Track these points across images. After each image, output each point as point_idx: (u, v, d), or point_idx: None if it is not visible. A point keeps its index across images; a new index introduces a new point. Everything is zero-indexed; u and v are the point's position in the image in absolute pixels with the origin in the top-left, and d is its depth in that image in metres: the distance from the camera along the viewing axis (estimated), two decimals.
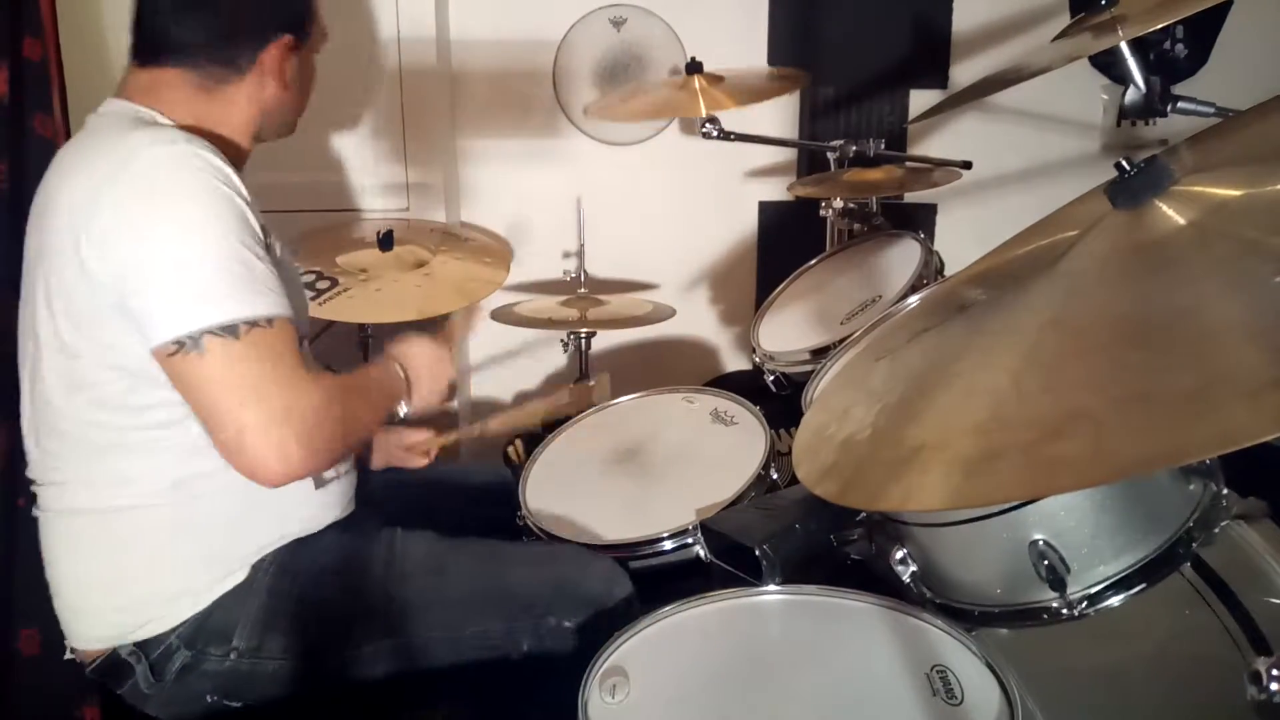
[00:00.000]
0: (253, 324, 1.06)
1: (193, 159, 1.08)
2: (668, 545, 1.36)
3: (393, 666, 1.24)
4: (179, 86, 1.19)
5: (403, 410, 1.33)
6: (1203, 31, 2.55)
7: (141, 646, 1.18)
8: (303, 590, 1.22)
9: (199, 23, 1.19)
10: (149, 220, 1.06)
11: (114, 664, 1.19)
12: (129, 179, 1.07)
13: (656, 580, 1.35)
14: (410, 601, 1.25)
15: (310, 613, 1.22)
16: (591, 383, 1.72)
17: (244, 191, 1.12)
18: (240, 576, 1.20)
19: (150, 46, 1.20)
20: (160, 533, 1.17)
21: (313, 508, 1.27)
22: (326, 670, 1.23)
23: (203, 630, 1.19)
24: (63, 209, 1.10)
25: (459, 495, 1.57)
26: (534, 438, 1.82)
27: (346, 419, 1.16)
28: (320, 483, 1.27)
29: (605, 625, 1.09)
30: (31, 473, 1.23)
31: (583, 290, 2.38)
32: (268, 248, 1.14)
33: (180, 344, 1.04)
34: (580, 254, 2.47)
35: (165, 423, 1.14)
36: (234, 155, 1.21)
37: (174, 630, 1.18)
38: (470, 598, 1.26)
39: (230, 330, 1.05)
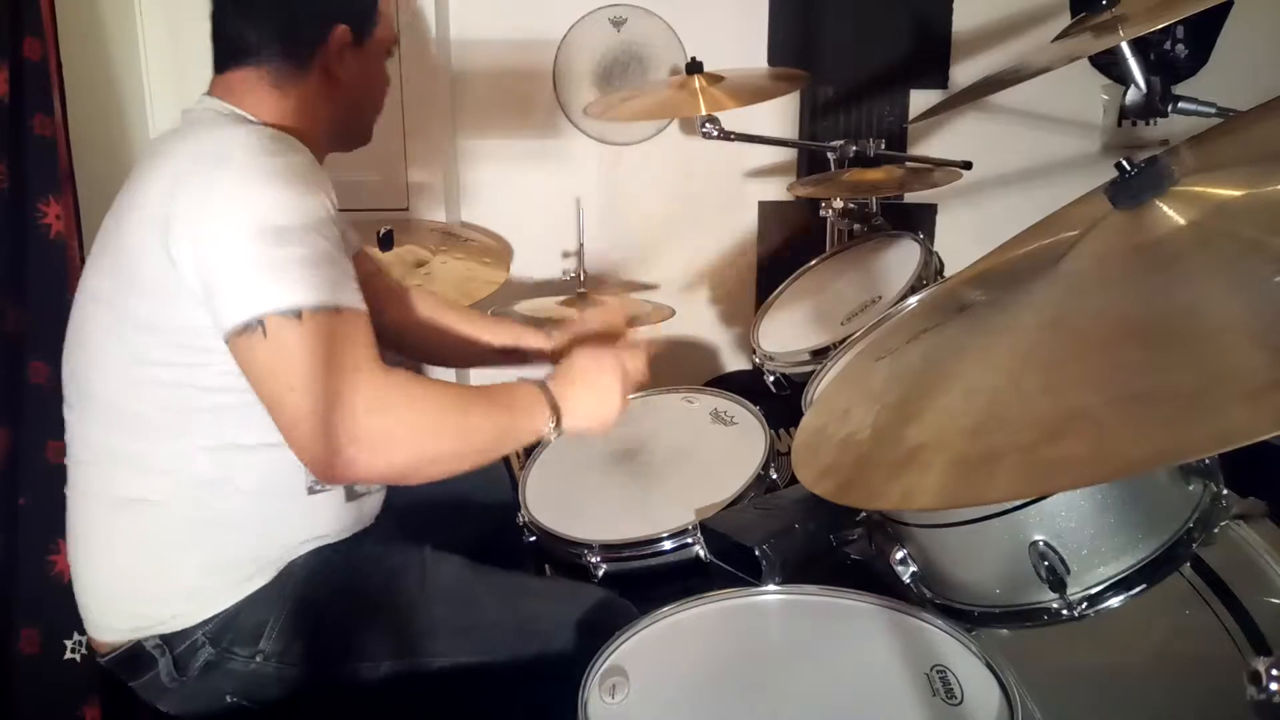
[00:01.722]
0: (317, 309, 1.04)
1: (284, 152, 1.11)
2: (667, 545, 1.36)
3: (408, 685, 1.23)
4: (255, 86, 1.22)
5: (551, 432, 1.19)
6: (1203, 31, 2.55)
7: (166, 640, 1.18)
8: (333, 600, 1.22)
9: (258, 20, 1.21)
10: (230, 203, 1.07)
11: (134, 656, 1.19)
12: (217, 164, 1.08)
13: (656, 580, 1.35)
14: (437, 626, 1.24)
15: (338, 624, 1.22)
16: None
17: (330, 191, 1.13)
18: (268, 577, 1.20)
19: (222, 51, 1.23)
20: (194, 527, 1.17)
21: (345, 519, 1.26)
22: (344, 682, 1.23)
23: (229, 629, 1.18)
24: (153, 197, 1.10)
25: (462, 499, 1.56)
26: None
27: (433, 426, 1.09)
28: (352, 495, 1.26)
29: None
30: (71, 445, 1.23)
31: (582, 290, 2.38)
32: (347, 245, 1.16)
33: (247, 326, 1.04)
34: (580, 254, 2.48)
35: (216, 410, 1.14)
36: (330, 139, 1.27)
37: (200, 626, 1.18)
38: (495, 629, 1.25)
39: (294, 313, 1.03)
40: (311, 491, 1.21)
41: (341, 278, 1.09)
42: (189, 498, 1.16)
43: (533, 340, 1.55)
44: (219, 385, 1.12)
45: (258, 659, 1.19)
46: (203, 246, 1.06)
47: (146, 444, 1.16)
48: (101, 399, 1.17)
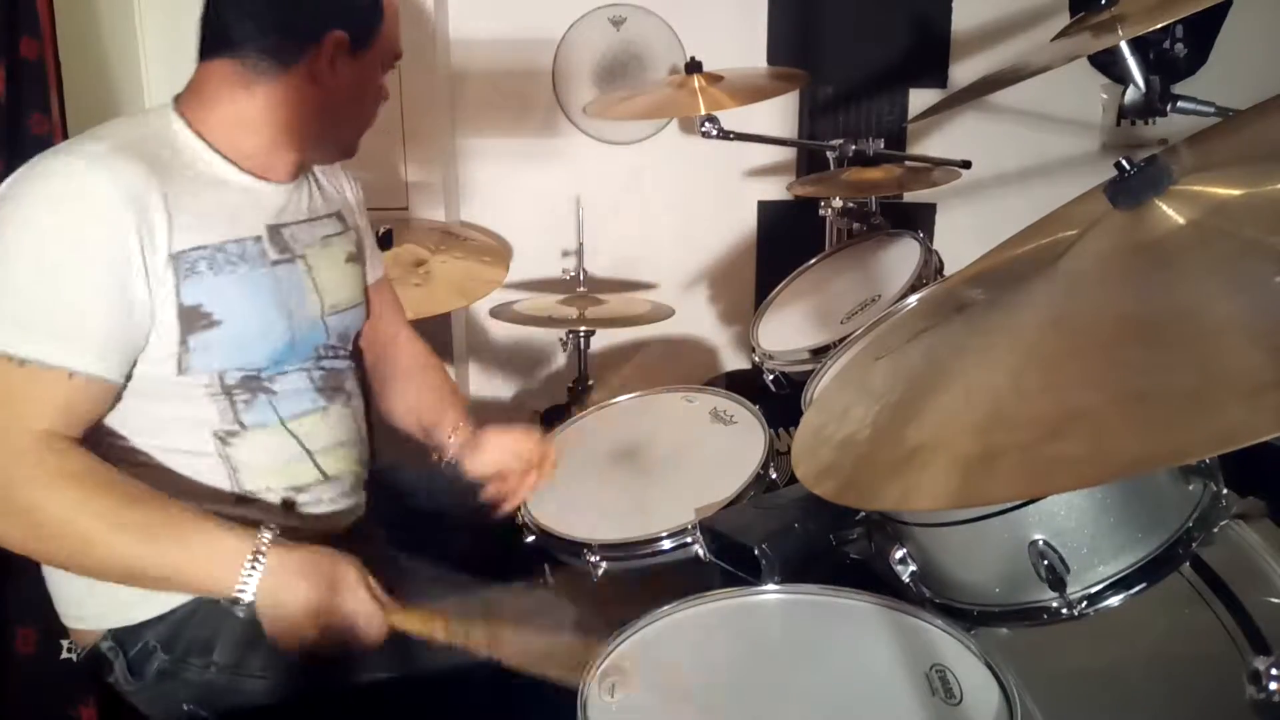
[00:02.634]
0: (7, 357, 0.99)
1: (65, 176, 1.05)
2: (667, 545, 1.36)
3: (364, 694, 1.19)
4: (223, 80, 1.17)
5: (243, 598, 1.04)
6: (1202, 31, 2.55)
7: (119, 641, 1.16)
8: None
9: (255, 12, 1.17)
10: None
11: (95, 656, 1.18)
12: (13, 185, 1.05)
13: (656, 580, 1.34)
14: (395, 642, 1.16)
15: None
16: None
17: (150, 215, 1.05)
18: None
19: (206, 40, 1.19)
20: None
21: (290, 524, 1.20)
22: (305, 691, 1.19)
23: (181, 637, 1.16)
24: None
25: (461, 499, 1.55)
26: None
27: (75, 527, 1.01)
28: (289, 505, 1.21)
29: None
30: None
31: (582, 289, 2.38)
32: (183, 279, 1.08)
33: None
34: (579, 253, 2.48)
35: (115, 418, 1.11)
36: (271, 167, 1.20)
37: (148, 626, 1.15)
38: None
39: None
40: (240, 501, 1.17)
41: (64, 327, 1.02)
42: None
43: (440, 436, 1.47)
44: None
45: (211, 669, 1.16)
46: None
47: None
48: None
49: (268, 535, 1.06)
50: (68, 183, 1.04)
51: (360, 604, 1.09)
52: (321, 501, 1.25)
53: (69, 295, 1.02)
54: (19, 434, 1.00)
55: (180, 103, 1.18)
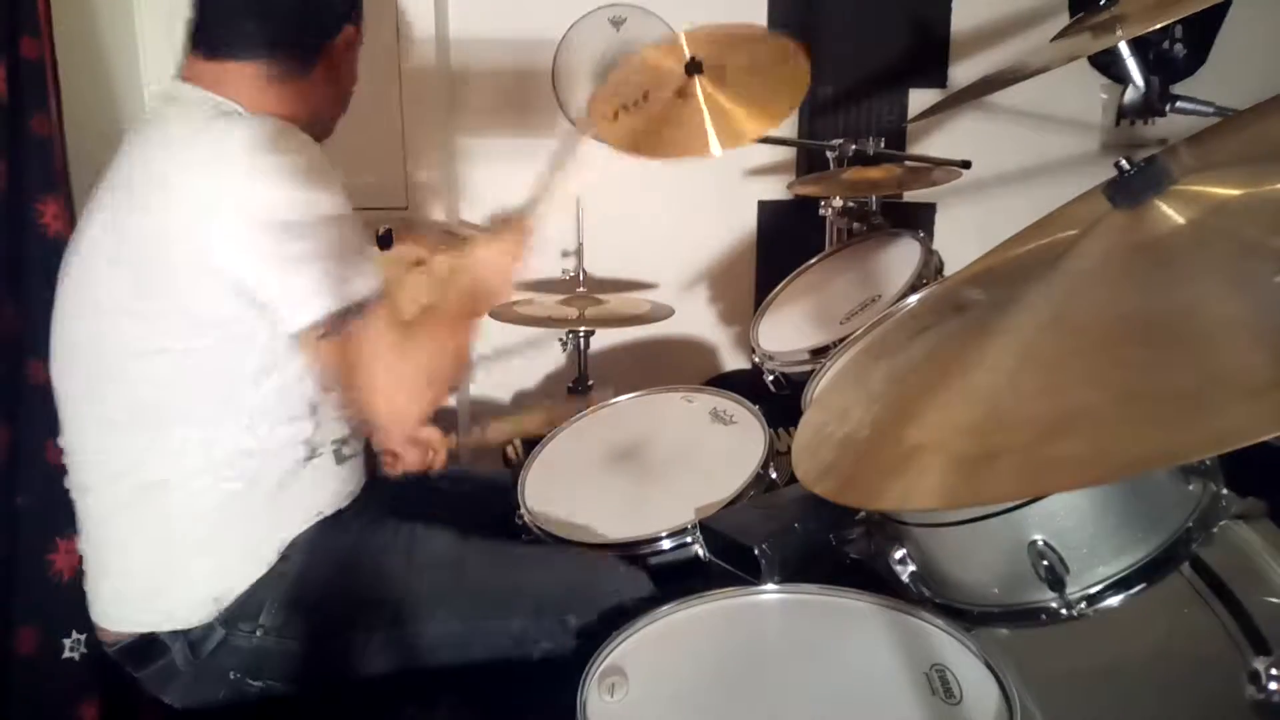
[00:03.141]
0: (373, 299, 1.14)
1: (301, 147, 1.14)
2: (667, 544, 1.36)
3: (406, 654, 1.26)
4: (248, 79, 1.20)
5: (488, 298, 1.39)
6: (1202, 31, 2.55)
7: (183, 629, 1.20)
8: (328, 574, 1.25)
9: (271, 17, 1.20)
10: (269, 203, 1.10)
11: (146, 644, 1.21)
12: (248, 166, 1.10)
13: (655, 579, 1.35)
14: (427, 593, 1.26)
15: (334, 595, 1.25)
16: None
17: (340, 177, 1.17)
18: (273, 558, 1.23)
19: (218, 39, 1.20)
20: (206, 518, 1.20)
21: (336, 486, 1.31)
22: (340, 654, 1.25)
23: (237, 609, 1.21)
24: (173, 199, 1.11)
25: (461, 498, 1.57)
26: (533, 437, 1.82)
27: (445, 355, 1.24)
28: (340, 459, 1.31)
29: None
30: (73, 442, 1.24)
31: (581, 289, 2.38)
32: None
33: (321, 328, 1.11)
34: (579, 253, 2.47)
35: (242, 395, 1.18)
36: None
37: (216, 617, 1.21)
38: (488, 593, 1.28)
39: (362, 308, 1.13)
40: (307, 460, 1.26)
41: (369, 260, 1.17)
42: (198, 483, 1.18)
43: None
44: (256, 369, 1.17)
45: (258, 634, 1.21)
46: (251, 251, 1.10)
47: (157, 434, 1.17)
48: (116, 396, 1.18)
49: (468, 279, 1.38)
50: (305, 147, 1.15)
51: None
52: (356, 454, 1.37)
53: (359, 230, 1.19)
54: (401, 339, 1.18)
55: (220, 94, 1.21)
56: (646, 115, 1.60)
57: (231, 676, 1.22)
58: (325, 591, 1.24)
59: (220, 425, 1.18)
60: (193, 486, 1.19)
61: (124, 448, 1.19)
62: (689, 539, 1.35)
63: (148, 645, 1.21)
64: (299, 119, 1.24)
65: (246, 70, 1.20)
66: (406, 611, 1.25)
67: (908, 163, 2.14)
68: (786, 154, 2.69)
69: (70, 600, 1.26)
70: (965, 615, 1.05)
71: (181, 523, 1.20)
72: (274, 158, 1.10)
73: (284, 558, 1.24)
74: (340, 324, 1.12)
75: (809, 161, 2.63)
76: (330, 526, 1.28)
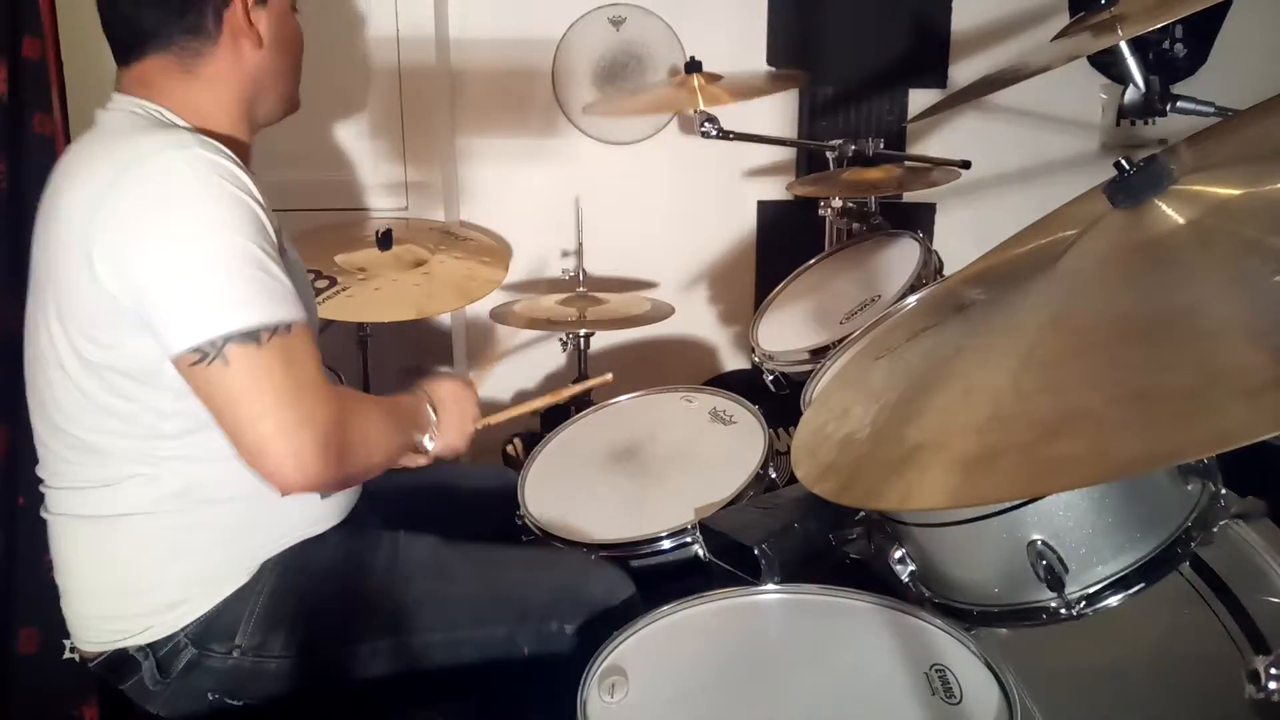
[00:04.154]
0: (274, 330, 1.04)
1: (204, 162, 1.06)
2: (666, 544, 1.36)
3: (392, 666, 1.24)
4: (165, 74, 1.16)
5: (429, 444, 1.31)
6: (1202, 31, 2.55)
7: (150, 644, 1.18)
8: (305, 589, 1.22)
9: (149, 3, 1.15)
10: (162, 228, 1.03)
11: (119, 660, 1.19)
12: (139, 185, 1.04)
13: (655, 579, 1.35)
14: (411, 602, 1.24)
15: (312, 611, 1.22)
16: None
17: (257, 193, 1.09)
18: (245, 579, 1.20)
19: (123, 43, 1.18)
20: (169, 540, 1.16)
21: (318, 511, 1.26)
22: (326, 669, 1.23)
23: (209, 628, 1.18)
24: (73, 219, 1.07)
25: (460, 498, 1.57)
26: (533, 436, 1.82)
27: (367, 437, 1.15)
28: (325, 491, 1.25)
29: (608, 629, 1.10)
30: (42, 471, 1.22)
31: (581, 289, 2.38)
32: (282, 251, 1.12)
33: (202, 353, 1.02)
34: (579, 253, 2.47)
35: (179, 432, 1.13)
36: (239, 152, 1.18)
37: (182, 630, 1.18)
38: (472, 600, 1.26)
39: (253, 337, 1.03)
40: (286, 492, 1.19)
41: (283, 289, 1.07)
42: (162, 513, 1.15)
43: None
44: (176, 410, 1.11)
45: (234, 654, 1.19)
46: (134, 270, 1.03)
47: (113, 469, 1.14)
48: (65, 429, 1.15)
49: (425, 398, 1.31)
50: (211, 169, 1.06)
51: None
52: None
53: (269, 262, 1.07)
54: (320, 386, 1.09)
55: (146, 97, 1.17)
56: None
57: (210, 697, 1.20)
58: (302, 608, 1.21)
59: (160, 463, 1.14)
60: (146, 520, 1.15)
61: (74, 483, 1.17)
62: (689, 539, 1.35)
63: (120, 662, 1.19)
64: (241, 100, 1.20)
65: (158, 65, 1.16)
66: (389, 624, 1.23)
67: (907, 163, 2.14)
68: (786, 154, 2.69)
69: None
70: (965, 615, 1.05)
71: (139, 552, 1.16)
72: (176, 170, 1.04)
73: (258, 576, 1.20)
74: (219, 351, 1.01)
75: (809, 162, 2.63)
76: (306, 545, 1.24)
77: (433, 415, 1.31)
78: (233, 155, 1.09)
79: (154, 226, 1.04)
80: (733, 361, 2.81)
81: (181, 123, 1.15)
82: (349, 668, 1.23)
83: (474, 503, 1.56)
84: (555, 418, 1.84)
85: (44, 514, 1.23)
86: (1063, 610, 0.96)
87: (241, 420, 1.04)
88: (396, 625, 1.23)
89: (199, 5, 1.16)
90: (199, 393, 1.06)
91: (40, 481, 1.23)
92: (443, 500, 1.52)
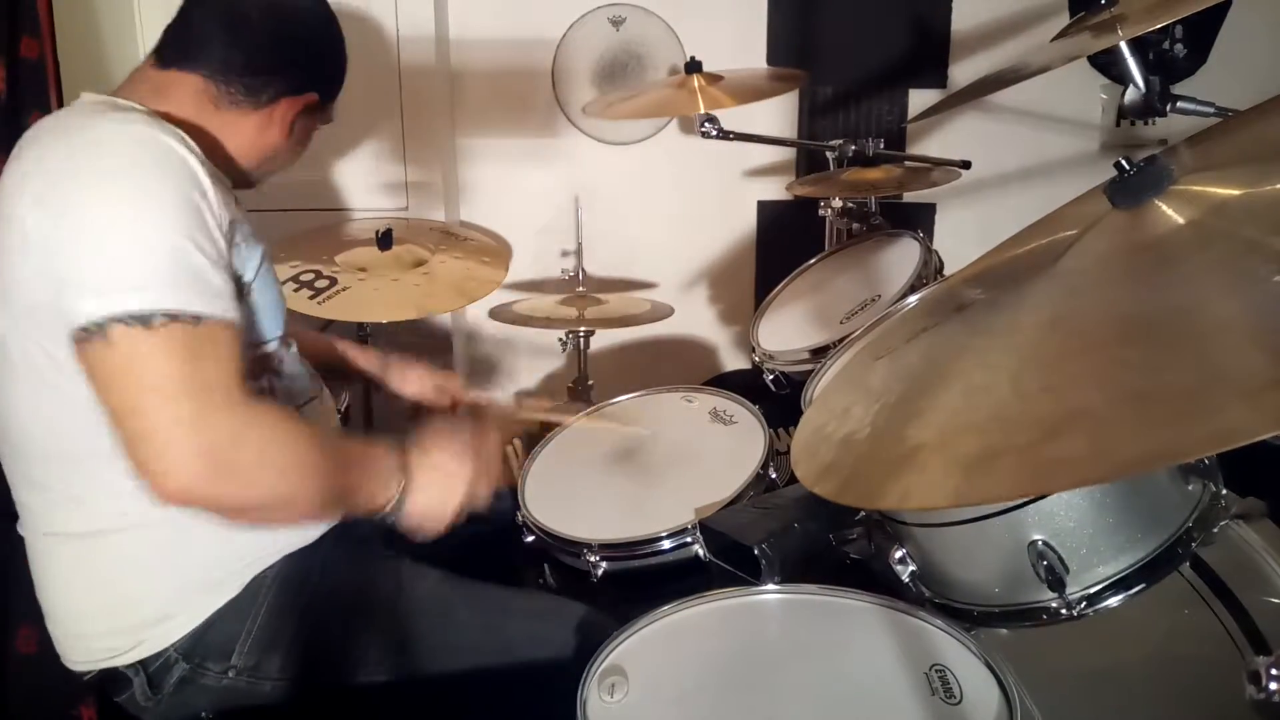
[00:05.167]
0: (172, 317, 0.94)
1: (148, 141, 1.00)
2: (666, 544, 1.36)
3: (389, 698, 1.21)
4: (194, 92, 1.15)
5: (389, 507, 1.11)
6: (1202, 31, 2.55)
7: (140, 660, 1.15)
8: (304, 610, 1.19)
9: (247, 47, 1.16)
10: (82, 195, 0.97)
11: (111, 678, 1.17)
12: (74, 153, 0.98)
13: (655, 579, 1.35)
14: (412, 641, 1.21)
15: (311, 636, 1.19)
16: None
17: (205, 185, 1.02)
18: (237, 589, 1.16)
19: (182, 50, 1.16)
20: (153, 554, 1.12)
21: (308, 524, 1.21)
22: (321, 695, 1.21)
23: (201, 644, 1.15)
24: (17, 207, 0.99)
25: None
26: (533, 437, 1.82)
27: (273, 463, 1.00)
28: None
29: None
30: (14, 489, 1.16)
31: (581, 289, 2.38)
32: (233, 248, 1.07)
33: (87, 331, 0.93)
34: (579, 253, 2.47)
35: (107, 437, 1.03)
36: (226, 168, 1.17)
37: (172, 644, 1.15)
38: (474, 647, 1.22)
39: (141, 320, 0.93)
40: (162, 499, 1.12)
41: (200, 281, 0.98)
42: (141, 524, 1.10)
43: (362, 361, 1.58)
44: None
45: (230, 674, 1.16)
46: (55, 244, 0.96)
47: (84, 478, 1.09)
48: (28, 442, 1.10)
49: (408, 458, 1.13)
50: (144, 144, 1.00)
51: (472, 470, 1.16)
52: None
53: (190, 249, 0.99)
54: (223, 391, 0.97)
55: (136, 100, 1.14)
56: None
57: (204, 716, 1.18)
58: (301, 631, 1.18)
59: (124, 477, 0.99)
60: (117, 538, 1.11)
61: (48, 498, 1.13)
62: (689, 539, 1.35)
63: (111, 679, 1.16)
64: (229, 150, 1.18)
65: (196, 84, 1.15)
66: (389, 660, 1.20)
67: (907, 163, 2.15)
68: (786, 154, 2.69)
69: None
70: (965, 615, 1.05)
71: (123, 565, 1.13)
72: (114, 149, 0.99)
73: (252, 593, 1.16)
74: (101, 330, 0.93)
75: (809, 162, 2.63)
76: (304, 559, 1.20)
77: (405, 479, 1.12)
78: (195, 148, 1.04)
79: (75, 194, 0.97)
80: (733, 361, 2.81)
81: (142, 109, 1.10)
82: (345, 697, 1.21)
83: (479, 532, 1.54)
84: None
85: (20, 530, 1.18)
86: (1063, 610, 0.96)
87: (119, 409, 0.95)
88: (396, 663, 1.21)
89: (270, 76, 1.17)
90: (88, 374, 0.96)
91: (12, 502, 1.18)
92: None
